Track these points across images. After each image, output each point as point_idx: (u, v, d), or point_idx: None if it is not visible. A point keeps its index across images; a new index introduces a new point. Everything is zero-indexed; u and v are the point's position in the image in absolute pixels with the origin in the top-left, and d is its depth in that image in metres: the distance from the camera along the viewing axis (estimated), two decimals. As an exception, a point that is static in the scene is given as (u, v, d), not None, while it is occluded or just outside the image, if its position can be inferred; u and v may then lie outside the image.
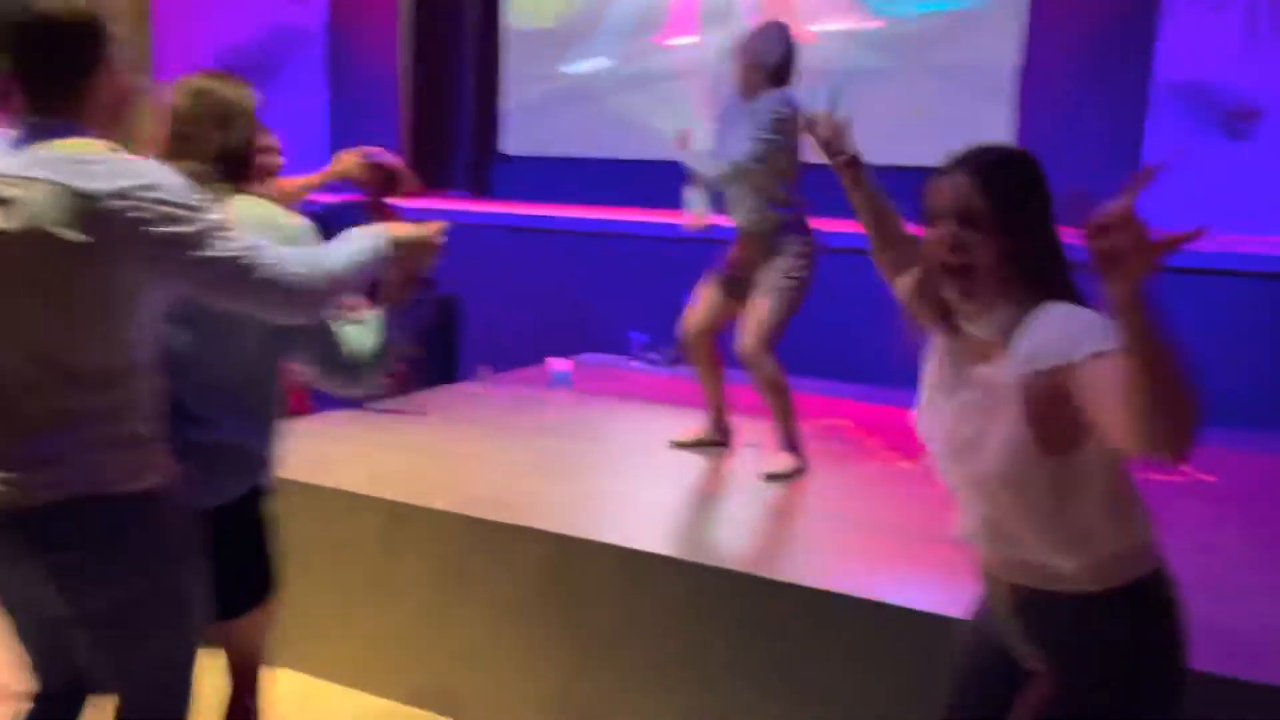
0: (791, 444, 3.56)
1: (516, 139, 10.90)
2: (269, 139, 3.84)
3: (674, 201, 4.26)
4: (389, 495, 3.10)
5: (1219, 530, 3.16)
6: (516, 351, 6.02)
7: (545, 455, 3.65)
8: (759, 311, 3.49)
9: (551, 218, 6.36)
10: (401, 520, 3.06)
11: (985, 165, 1.61)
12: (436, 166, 11.04)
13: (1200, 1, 5.91)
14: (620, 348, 5.69)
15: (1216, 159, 5.68)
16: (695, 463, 3.66)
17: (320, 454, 3.41)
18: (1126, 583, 1.58)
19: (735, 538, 3.13)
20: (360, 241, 1.89)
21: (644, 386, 4.95)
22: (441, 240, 2.04)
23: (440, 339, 6.24)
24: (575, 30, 9.76)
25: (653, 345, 5.58)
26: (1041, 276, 1.57)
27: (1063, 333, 1.49)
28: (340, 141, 10.66)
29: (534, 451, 3.68)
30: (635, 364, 5.48)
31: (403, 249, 1.95)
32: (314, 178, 3.48)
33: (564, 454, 3.69)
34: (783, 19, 3.64)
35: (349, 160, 3.80)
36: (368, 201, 4.49)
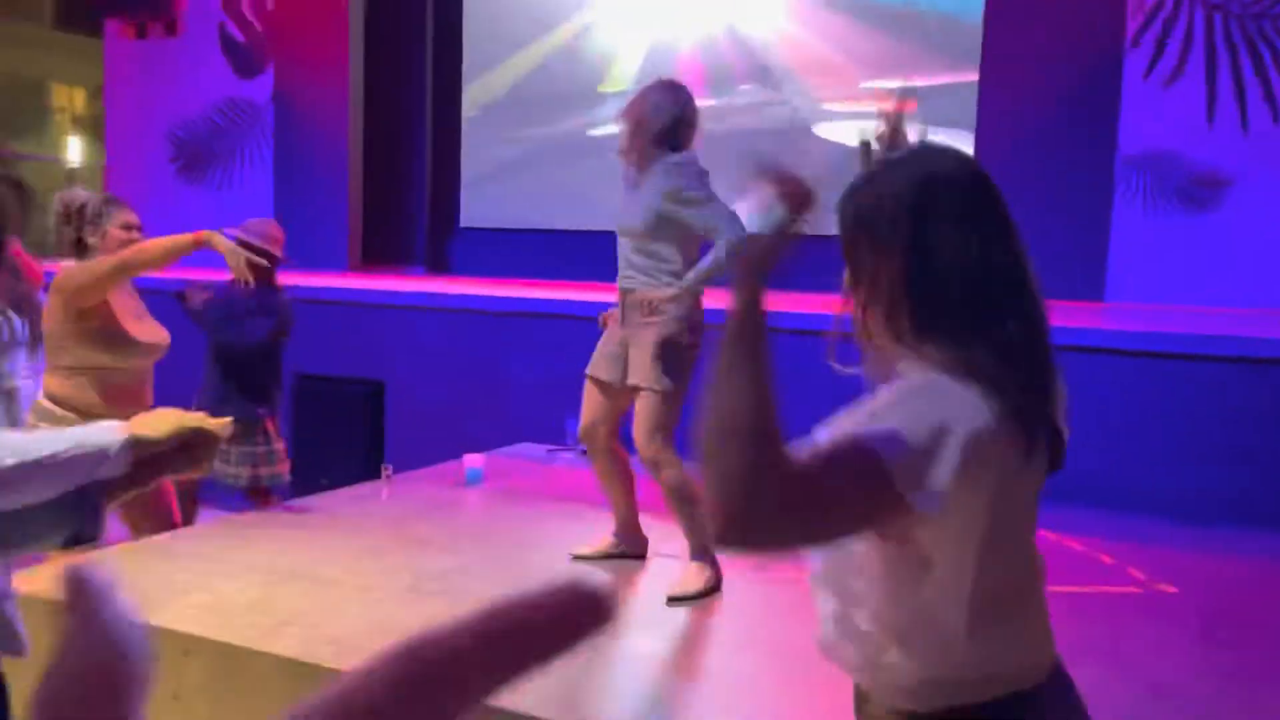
0: (703, 556, 3.13)
1: (475, 212, 10.63)
2: (129, 216, 3.48)
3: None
4: (222, 635, 2.66)
5: (1167, 658, 2.72)
6: (444, 442, 5.60)
7: (424, 576, 3.20)
8: (642, 403, 3.08)
9: (486, 297, 5.96)
10: (233, 668, 2.60)
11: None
12: (391, 240, 10.74)
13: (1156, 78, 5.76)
14: (558, 437, 5.27)
15: (1182, 230, 5.38)
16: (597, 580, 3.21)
17: (160, 580, 2.97)
18: (939, 710, 1.20)
19: (626, 687, 2.67)
20: (87, 438, 1.42)
21: (569, 484, 4.52)
22: (221, 438, 1.50)
23: (367, 428, 5.80)
24: (539, 95, 9.58)
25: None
26: (923, 324, 1.18)
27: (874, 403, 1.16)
28: (287, 215, 10.39)
29: (411, 573, 3.22)
30: (568, 455, 5.05)
31: (148, 448, 1.45)
32: (181, 240, 3.17)
33: (446, 575, 3.23)
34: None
35: (217, 241, 3.46)
36: (251, 280, 4.08)
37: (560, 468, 4.84)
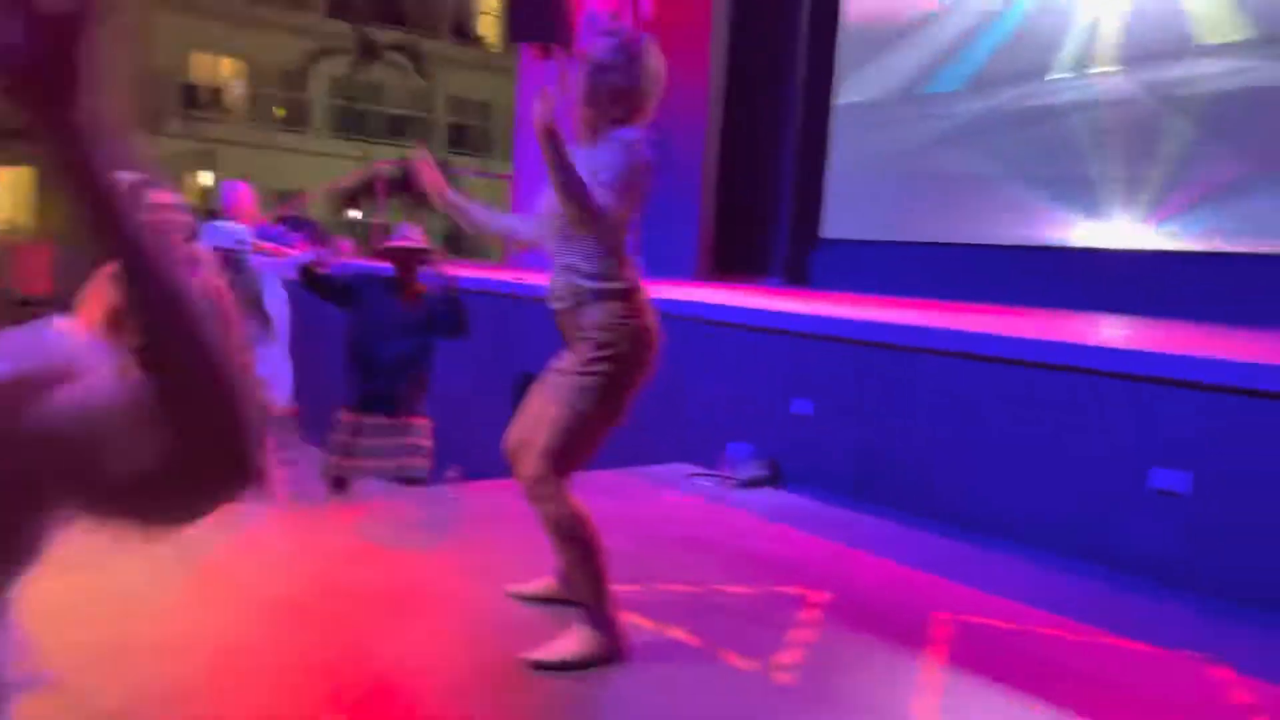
0: (594, 617, 2.46)
1: (839, 221, 10.00)
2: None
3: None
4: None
5: None
6: (621, 450, 5.20)
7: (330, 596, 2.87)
8: (541, 426, 2.47)
9: (669, 301, 5.46)
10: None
11: None
12: (747, 251, 10.43)
13: None
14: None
15: None
16: (507, 620, 2.66)
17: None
18: None
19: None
20: None
21: (664, 513, 3.92)
22: None
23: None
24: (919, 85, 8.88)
25: (744, 462, 4.48)
26: None
27: None
28: (643, 221, 10.51)
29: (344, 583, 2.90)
30: (701, 482, 4.42)
31: None
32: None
33: (347, 592, 2.87)
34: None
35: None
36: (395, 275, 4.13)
37: (675, 496, 4.23)
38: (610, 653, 2.45)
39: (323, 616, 2.65)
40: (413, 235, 4.24)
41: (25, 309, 5.76)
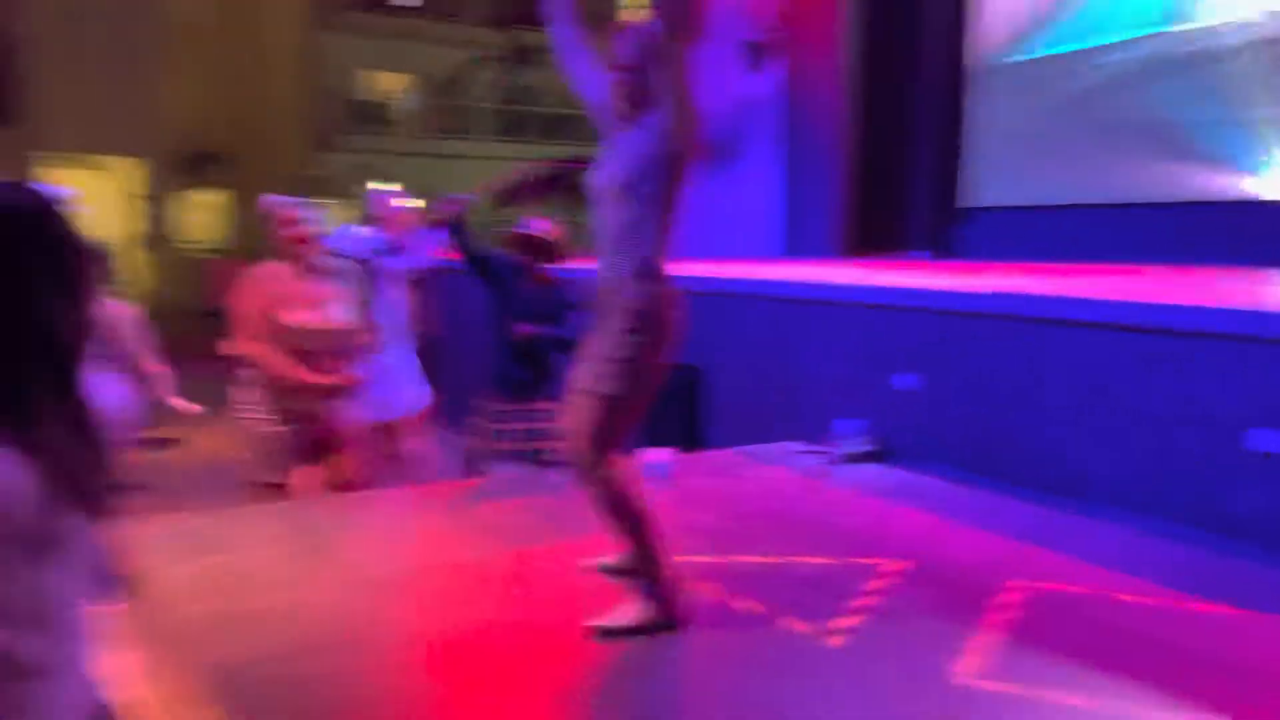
0: (649, 587, 2.61)
1: (981, 190, 9.75)
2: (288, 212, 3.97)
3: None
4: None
5: None
6: (741, 430, 5.32)
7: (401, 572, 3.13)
8: (579, 406, 2.63)
9: (784, 282, 5.51)
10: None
11: None
12: (891, 224, 10.30)
13: None
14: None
15: None
16: (583, 590, 2.84)
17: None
18: None
19: None
20: None
21: (761, 489, 4.03)
22: None
23: (682, 412, 5.72)
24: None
25: (849, 438, 4.53)
26: None
27: None
28: (793, 204, 10.52)
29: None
30: (805, 458, 4.49)
31: None
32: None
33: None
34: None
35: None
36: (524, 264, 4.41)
37: (777, 472, 4.32)
38: (667, 618, 2.60)
39: (426, 590, 2.91)
40: (540, 226, 4.49)
41: (210, 319, 6.37)
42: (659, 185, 2.56)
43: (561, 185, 3.99)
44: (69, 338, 1.15)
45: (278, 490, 3.95)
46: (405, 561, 3.18)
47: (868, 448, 4.45)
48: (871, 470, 4.34)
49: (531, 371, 4.39)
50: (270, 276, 3.95)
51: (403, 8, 21.67)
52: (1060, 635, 2.60)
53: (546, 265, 4.47)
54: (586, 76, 2.77)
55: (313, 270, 4.02)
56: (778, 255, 10.52)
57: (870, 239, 10.16)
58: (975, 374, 4.33)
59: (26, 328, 1.12)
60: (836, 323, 5.03)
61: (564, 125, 21.62)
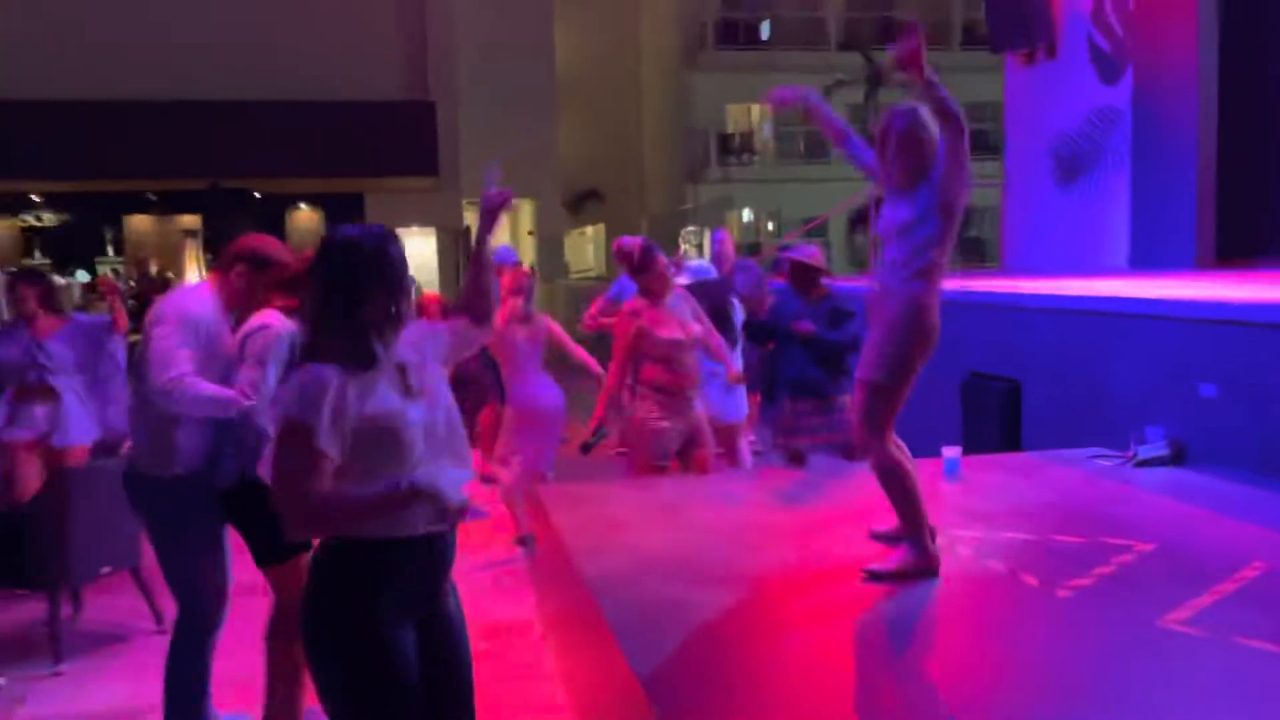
0: (913, 540, 3.31)
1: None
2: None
3: None
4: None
5: None
6: (1057, 439, 5.71)
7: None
8: (859, 393, 3.36)
9: (1094, 298, 5.80)
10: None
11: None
12: (1254, 234, 9.89)
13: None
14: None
15: None
16: (861, 551, 3.57)
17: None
18: None
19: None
20: None
21: (1047, 484, 4.52)
22: None
23: (1004, 424, 6.19)
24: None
25: (1148, 444, 4.86)
26: None
27: None
28: (1138, 215, 10.37)
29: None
30: (1099, 462, 4.86)
31: None
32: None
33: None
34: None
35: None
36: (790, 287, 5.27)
37: (1068, 473, 4.75)
38: (925, 567, 3.29)
39: (745, 539, 3.78)
40: (807, 251, 5.31)
41: (591, 343, 7.78)
42: (933, 229, 3.25)
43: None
44: (381, 318, 2.15)
45: (658, 472, 4.99)
46: (732, 519, 4.08)
47: (1163, 452, 4.76)
48: (1161, 473, 4.65)
49: (825, 372, 5.16)
50: (639, 306, 5.04)
51: (757, 41, 23.03)
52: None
53: (819, 281, 5.29)
54: (867, 162, 3.53)
55: (668, 299, 5.07)
56: (1121, 268, 10.40)
57: (1231, 248, 9.79)
58: (1270, 383, 4.52)
59: (358, 311, 2.14)
60: (1143, 334, 5.32)
61: (921, 143, 21.75)
